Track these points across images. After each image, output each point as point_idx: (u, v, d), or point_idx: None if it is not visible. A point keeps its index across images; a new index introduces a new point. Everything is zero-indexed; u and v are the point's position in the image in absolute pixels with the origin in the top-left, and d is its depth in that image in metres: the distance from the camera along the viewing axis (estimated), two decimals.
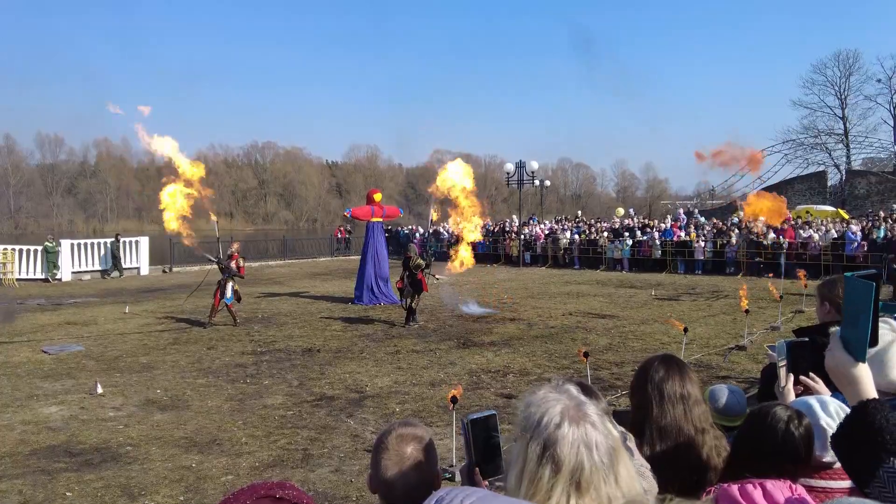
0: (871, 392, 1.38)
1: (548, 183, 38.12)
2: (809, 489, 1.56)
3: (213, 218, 13.68)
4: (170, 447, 6.27)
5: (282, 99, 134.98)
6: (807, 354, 2.06)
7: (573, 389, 1.18)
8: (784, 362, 2.10)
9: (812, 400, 1.84)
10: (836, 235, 21.38)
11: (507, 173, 28.75)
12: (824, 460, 1.67)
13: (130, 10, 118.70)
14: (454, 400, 5.40)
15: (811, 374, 2.07)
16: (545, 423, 1.09)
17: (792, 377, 2.09)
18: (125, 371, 9.26)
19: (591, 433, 1.09)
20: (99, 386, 8.14)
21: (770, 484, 1.39)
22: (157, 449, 6.22)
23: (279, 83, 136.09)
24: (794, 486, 1.42)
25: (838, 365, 1.42)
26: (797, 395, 2.07)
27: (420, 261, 13.20)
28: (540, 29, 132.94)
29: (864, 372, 1.40)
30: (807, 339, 2.14)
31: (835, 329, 1.79)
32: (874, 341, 1.39)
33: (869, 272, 1.40)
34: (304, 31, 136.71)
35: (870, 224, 22.15)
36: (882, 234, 20.36)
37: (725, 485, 1.45)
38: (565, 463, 1.06)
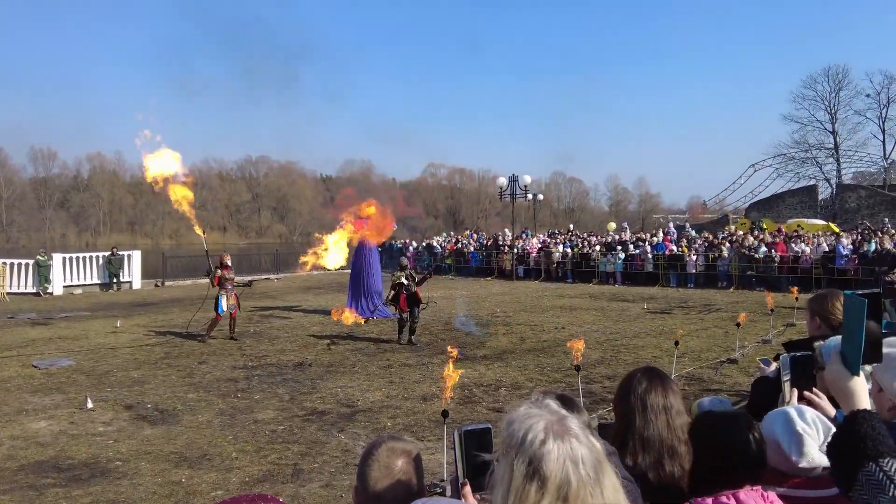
0: (864, 403, 1.44)
1: (541, 197, 38.28)
2: (788, 499, 1.58)
3: (200, 233, 13.51)
4: (160, 462, 6.23)
5: (276, 113, 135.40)
6: (809, 370, 2.03)
7: (553, 404, 1.18)
8: (787, 377, 2.09)
9: (789, 408, 1.86)
10: (827, 249, 21.52)
11: (500, 187, 28.88)
12: (801, 466, 1.70)
13: (125, 23, 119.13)
14: (445, 414, 5.40)
15: (814, 389, 2.04)
16: (529, 440, 1.08)
17: (796, 392, 2.06)
18: (116, 385, 9.20)
19: (576, 447, 1.08)
20: (89, 401, 8.09)
21: (743, 494, 1.41)
22: (147, 464, 6.18)
23: (274, 96, 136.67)
24: (766, 493, 1.44)
25: (836, 378, 1.49)
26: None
27: (399, 274, 12.94)
28: (536, 42, 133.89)
29: (859, 385, 1.46)
30: (810, 353, 2.07)
31: (819, 343, 1.81)
32: (871, 358, 1.41)
33: (871, 292, 1.42)
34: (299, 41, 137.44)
35: (860, 237, 22.32)
36: (873, 247, 20.50)
37: (699, 499, 1.47)
38: (552, 479, 1.05)
